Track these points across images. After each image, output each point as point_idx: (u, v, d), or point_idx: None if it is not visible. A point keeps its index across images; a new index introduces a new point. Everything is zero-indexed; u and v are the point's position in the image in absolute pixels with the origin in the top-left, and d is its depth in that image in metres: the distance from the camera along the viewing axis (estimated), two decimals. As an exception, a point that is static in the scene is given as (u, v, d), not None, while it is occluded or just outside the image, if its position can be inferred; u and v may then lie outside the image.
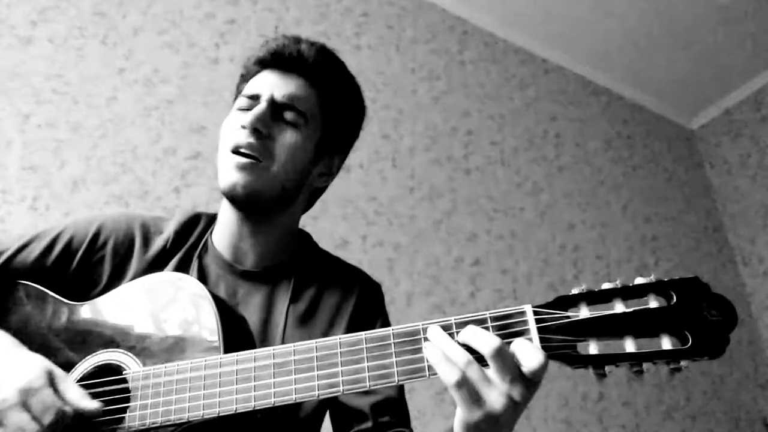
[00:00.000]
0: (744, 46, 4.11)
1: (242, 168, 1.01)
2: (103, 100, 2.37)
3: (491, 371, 0.70)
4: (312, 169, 1.13)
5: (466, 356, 0.70)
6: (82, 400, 0.79)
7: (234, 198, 1.03)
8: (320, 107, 1.11)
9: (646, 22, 3.91)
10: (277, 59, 1.09)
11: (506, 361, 0.69)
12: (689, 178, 4.43)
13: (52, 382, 0.80)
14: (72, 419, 0.78)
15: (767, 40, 4.07)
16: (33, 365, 0.81)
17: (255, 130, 1.02)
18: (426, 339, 0.75)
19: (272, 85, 1.07)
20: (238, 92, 1.14)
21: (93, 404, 0.80)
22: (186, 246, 1.11)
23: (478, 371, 0.70)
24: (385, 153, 3.00)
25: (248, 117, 1.02)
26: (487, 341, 0.70)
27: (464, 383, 0.70)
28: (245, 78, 1.13)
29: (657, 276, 0.70)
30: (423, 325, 0.76)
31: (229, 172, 1.02)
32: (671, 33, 4.01)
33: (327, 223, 2.64)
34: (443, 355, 0.71)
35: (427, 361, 0.74)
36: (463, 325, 0.75)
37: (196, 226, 1.16)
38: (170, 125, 2.46)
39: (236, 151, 1.02)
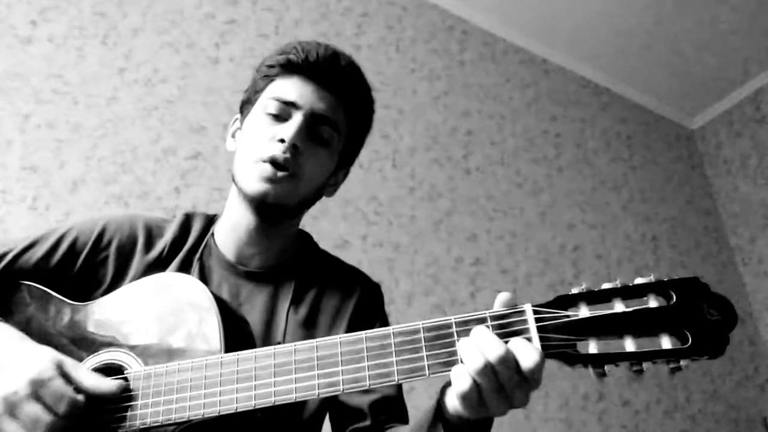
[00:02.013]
0: (744, 46, 4.11)
1: (276, 180, 1.01)
2: (103, 100, 2.37)
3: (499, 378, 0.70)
4: (326, 182, 1.15)
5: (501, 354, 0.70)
6: (101, 384, 0.80)
7: (260, 205, 1.04)
8: (347, 126, 1.12)
9: (646, 22, 3.92)
10: (313, 69, 1.07)
11: (511, 367, 0.69)
12: (689, 178, 4.43)
13: (62, 371, 0.80)
14: (85, 407, 0.78)
15: (767, 40, 4.07)
16: (41, 356, 0.81)
17: (294, 147, 1.02)
18: (425, 339, 0.75)
19: (308, 97, 1.06)
20: (257, 90, 1.12)
21: (112, 385, 0.80)
22: (186, 247, 1.11)
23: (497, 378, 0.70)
24: (385, 153, 3.00)
25: (288, 132, 1.02)
26: (495, 348, 0.70)
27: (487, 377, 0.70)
28: (270, 78, 1.10)
29: (657, 276, 0.70)
30: (423, 324, 0.76)
31: (260, 182, 1.02)
32: (671, 33, 4.01)
33: (327, 223, 2.64)
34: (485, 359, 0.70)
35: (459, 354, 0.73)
36: (462, 324, 0.75)
37: (192, 228, 1.15)
38: (170, 125, 2.46)
39: (271, 162, 1.01)
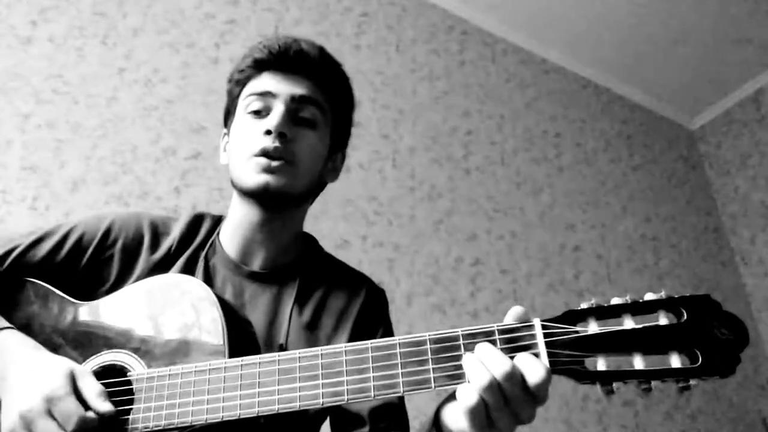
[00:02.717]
0: (744, 46, 4.11)
1: (272, 170, 1.02)
2: (103, 100, 2.37)
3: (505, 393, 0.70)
4: (325, 166, 1.15)
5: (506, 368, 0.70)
6: (94, 400, 0.80)
7: (263, 196, 1.04)
8: (329, 105, 1.12)
9: (646, 22, 3.91)
10: (279, 60, 1.09)
11: (517, 383, 0.69)
12: (689, 178, 4.43)
13: (75, 386, 0.80)
14: (96, 423, 0.78)
15: (767, 40, 4.07)
16: (56, 370, 0.81)
17: (281, 135, 1.03)
18: (432, 351, 0.75)
19: (282, 85, 1.08)
20: (234, 97, 1.14)
21: (104, 406, 0.79)
22: (192, 247, 1.11)
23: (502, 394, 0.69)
24: (385, 153, 3.00)
25: (272, 122, 1.03)
26: (501, 364, 0.70)
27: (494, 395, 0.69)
28: (242, 82, 1.12)
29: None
30: (429, 335, 0.75)
31: (257, 174, 1.02)
32: (671, 33, 4.01)
33: (327, 223, 2.64)
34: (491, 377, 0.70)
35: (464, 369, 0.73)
36: (469, 336, 0.74)
37: (201, 226, 1.16)
38: (170, 125, 2.46)
39: (263, 155, 1.02)
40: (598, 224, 3.64)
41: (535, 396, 0.69)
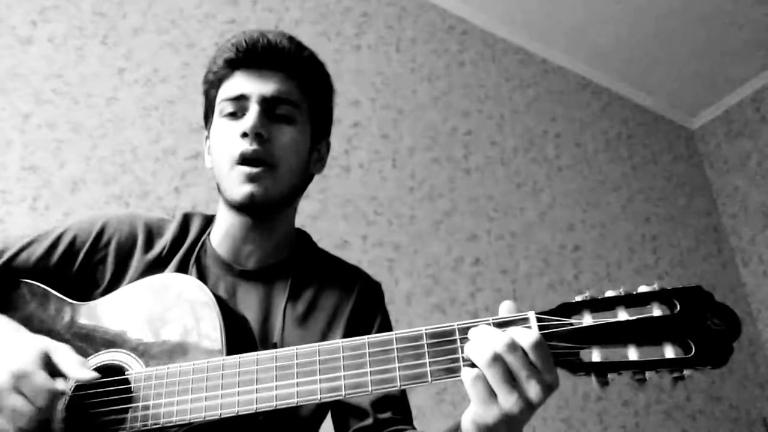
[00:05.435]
0: (744, 46, 4.11)
1: (254, 179, 1.01)
2: (103, 100, 2.37)
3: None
4: (310, 158, 1.14)
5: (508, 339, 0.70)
6: (74, 370, 0.79)
7: (250, 207, 1.04)
8: (305, 96, 1.11)
9: (646, 22, 3.91)
10: (249, 57, 1.08)
11: (518, 348, 0.69)
12: (689, 178, 4.43)
13: (47, 363, 0.79)
14: (76, 399, 0.78)
15: (767, 40, 4.07)
16: (29, 348, 0.80)
17: (257, 135, 1.02)
18: (428, 345, 0.75)
19: (255, 85, 1.06)
20: (210, 100, 1.13)
21: (88, 374, 0.78)
22: (184, 247, 1.11)
23: (518, 359, 0.70)
24: (385, 153, 3.00)
25: (247, 123, 1.02)
26: (498, 337, 0.70)
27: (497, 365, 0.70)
28: (216, 84, 1.11)
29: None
30: (425, 329, 0.76)
31: (241, 185, 1.02)
32: (671, 33, 4.01)
33: (327, 223, 2.64)
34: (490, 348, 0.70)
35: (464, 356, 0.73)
36: (465, 330, 0.74)
37: (191, 227, 1.16)
38: (170, 125, 2.46)
39: (243, 161, 1.02)
40: (598, 224, 3.64)
41: (537, 367, 0.69)
